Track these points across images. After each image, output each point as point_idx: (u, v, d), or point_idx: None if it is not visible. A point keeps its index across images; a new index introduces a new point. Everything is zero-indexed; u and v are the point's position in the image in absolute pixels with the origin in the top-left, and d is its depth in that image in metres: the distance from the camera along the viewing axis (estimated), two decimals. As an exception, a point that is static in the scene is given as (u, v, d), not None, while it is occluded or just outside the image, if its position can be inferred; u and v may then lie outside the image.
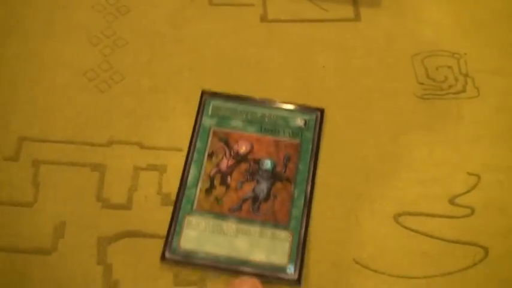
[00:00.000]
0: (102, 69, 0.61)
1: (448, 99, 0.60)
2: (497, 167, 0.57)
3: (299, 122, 0.57)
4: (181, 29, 0.64)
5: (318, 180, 0.55)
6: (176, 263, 0.51)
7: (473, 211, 0.54)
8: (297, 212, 0.53)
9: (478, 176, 0.56)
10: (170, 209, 0.53)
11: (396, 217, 0.54)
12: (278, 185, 0.54)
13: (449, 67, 0.62)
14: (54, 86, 0.59)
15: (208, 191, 0.54)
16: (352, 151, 0.57)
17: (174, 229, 0.52)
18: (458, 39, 0.64)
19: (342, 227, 0.54)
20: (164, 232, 0.52)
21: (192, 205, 0.53)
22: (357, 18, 0.65)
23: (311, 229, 0.53)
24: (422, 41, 0.64)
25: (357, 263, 0.52)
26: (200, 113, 0.57)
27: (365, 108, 0.60)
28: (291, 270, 0.51)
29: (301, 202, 0.53)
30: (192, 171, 0.54)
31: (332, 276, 0.51)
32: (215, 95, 0.58)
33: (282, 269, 0.51)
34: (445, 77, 0.62)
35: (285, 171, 0.54)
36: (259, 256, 0.51)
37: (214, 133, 0.56)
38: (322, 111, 0.58)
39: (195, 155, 0.55)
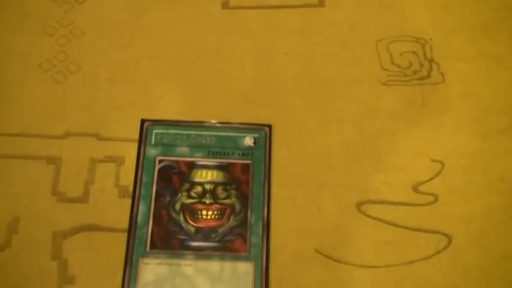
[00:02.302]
0: (58, 60, 0.59)
1: (412, 86, 0.59)
2: (460, 153, 0.56)
3: (248, 141, 0.55)
4: (140, 17, 0.62)
5: (279, 169, 0.54)
6: None
7: (436, 198, 0.54)
8: (256, 239, 0.51)
9: (442, 163, 0.55)
10: (128, 202, 0.52)
11: (359, 205, 0.53)
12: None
13: (414, 53, 0.61)
14: (8, 78, 0.58)
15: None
16: (315, 139, 0.56)
17: (129, 274, 0.49)
18: (424, 24, 0.63)
19: (303, 216, 0.53)
20: (122, 225, 0.51)
21: (145, 246, 0.50)
22: (320, 3, 0.64)
23: (272, 218, 0.52)
24: (387, 27, 0.63)
25: (318, 252, 0.51)
26: (143, 143, 0.54)
27: (328, 95, 0.58)
28: None
29: (259, 229, 0.51)
30: (142, 209, 0.52)
31: (293, 266, 0.50)
32: (156, 122, 0.55)
33: None
34: (409, 63, 0.61)
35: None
36: None
37: (160, 163, 0.53)
38: (270, 127, 0.56)
39: (143, 190, 0.52)
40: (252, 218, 0.52)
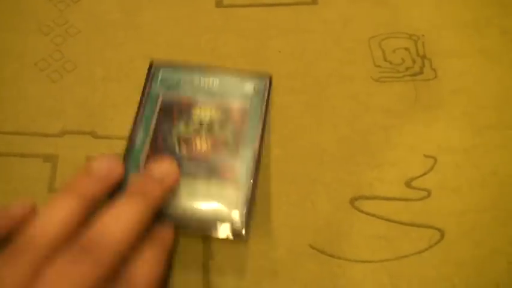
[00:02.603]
0: (54, 59, 0.60)
1: (405, 82, 0.60)
2: (453, 148, 0.56)
3: (248, 87, 0.56)
4: (134, 16, 0.63)
5: (272, 166, 0.55)
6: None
7: (429, 193, 0.54)
8: (244, 168, 0.52)
9: (435, 158, 0.56)
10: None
11: (352, 201, 0.54)
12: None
13: (407, 49, 0.62)
14: (4, 77, 0.58)
15: None
16: (308, 136, 0.57)
17: None
18: (416, 20, 0.64)
19: (297, 212, 0.53)
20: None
21: (138, 167, 0.51)
22: (313, 1, 0.65)
23: (264, 216, 0.52)
24: (379, 23, 0.63)
25: (312, 248, 0.52)
26: (149, 83, 0.55)
27: (321, 93, 0.59)
28: (236, 218, 0.49)
29: (249, 160, 0.52)
30: (139, 135, 0.52)
31: (287, 262, 0.51)
32: (165, 64, 0.56)
33: (229, 220, 0.49)
34: (402, 59, 0.61)
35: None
36: (206, 210, 0.49)
37: (164, 100, 0.55)
38: (270, 78, 0.57)
39: (144, 120, 0.53)
40: (245, 150, 0.52)
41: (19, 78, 0.58)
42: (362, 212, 0.53)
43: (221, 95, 0.56)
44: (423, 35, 0.63)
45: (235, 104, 0.56)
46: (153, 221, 0.46)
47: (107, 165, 0.47)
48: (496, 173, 0.55)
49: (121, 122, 0.56)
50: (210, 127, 0.54)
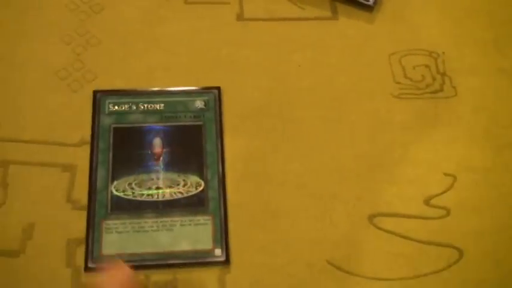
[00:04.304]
0: (75, 69, 0.60)
1: (425, 99, 0.60)
2: (473, 167, 0.56)
3: (199, 104, 0.57)
4: (155, 27, 0.63)
5: (293, 181, 0.55)
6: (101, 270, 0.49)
7: (448, 212, 0.54)
8: (213, 193, 0.53)
9: (454, 177, 0.56)
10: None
11: (371, 218, 0.54)
12: None
13: (427, 66, 0.62)
14: (25, 86, 0.58)
15: None
16: (328, 151, 0.56)
17: (93, 236, 0.51)
18: (436, 38, 0.64)
19: (316, 227, 0.53)
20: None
21: (106, 209, 0.52)
22: (334, 16, 0.65)
23: (284, 230, 0.52)
24: (399, 40, 0.63)
25: (330, 264, 0.51)
26: (97, 113, 0.56)
27: (341, 108, 0.59)
28: (218, 252, 0.51)
29: (215, 183, 0.54)
30: (100, 174, 0.54)
31: (305, 277, 0.51)
32: (108, 92, 0.58)
33: (209, 253, 0.51)
34: (422, 76, 0.61)
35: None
36: (184, 246, 0.51)
37: (115, 130, 0.56)
38: (219, 88, 0.58)
39: (100, 156, 0.54)
40: (207, 174, 0.54)
41: (39, 87, 0.58)
42: (380, 229, 0.53)
43: (173, 116, 0.57)
44: (443, 53, 0.63)
45: (189, 123, 0.56)
46: None
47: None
48: (516, 192, 0.55)
49: (140, 133, 0.57)
50: (169, 158, 0.54)
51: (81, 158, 0.55)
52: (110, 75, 0.60)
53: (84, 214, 0.52)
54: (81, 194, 0.53)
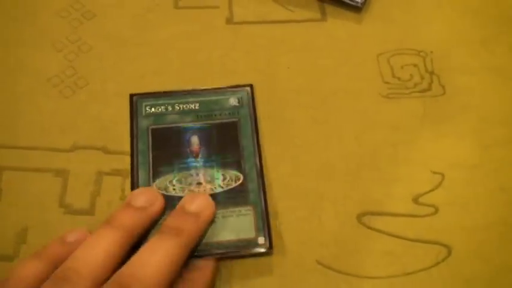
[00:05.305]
0: (67, 75, 0.61)
1: (413, 98, 0.60)
2: (461, 165, 0.56)
3: (232, 101, 0.58)
4: (146, 32, 0.64)
5: (279, 181, 0.55)
6: None
7: (437, 210, 0.54)
8: (252, 185, 0.54)
9: (442, 175, 0.56)
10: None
11: (360, 217, 0.54)
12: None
13: (415, 65, 0.62)
14: (18, 93, 0.60)
15: None
16: (315, 152, 0.57)
17: None
18: (425, 37, 0.64)
19: (304, 228, 0.53)
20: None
21: None
22: (323, 18, 0.65)
23: (272, 230, 0.53)
24: (388, 40, 0.64)
25: (319, 263, 0.52)
26: (135, 116, 0.57)
27: (329, 109, 0.59)
28: (261, 240, 0.51)
29: (253, 175, 0.54)
30: (141, 175, 0.54)
31: (294, 277, 0.51)
32: (144, 95, 0.59)
33: (253, 241, 0.51)
34: (410, 76, 0.62)
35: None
36: (227, 236, 0.51)
37: (153, 131, 0.56)
38: (251, 86, 0.59)
39: (140, 158, 0.55)
40: (246, 167, 0.54)
41: (32, 93, 0.60)
42: (369, 228, 0.54)
43: (208, 115, 0.57)
44: (432, 52, 0.63)
45: (224, 120, 0.57)
46: (190, 257, 0.47)
47: (146, 198, 0.49)
48: (504, 189, 0.55)
49: (131, 137, 0.57)
50: (207, 154, 0.55)
51: (74, 162, 0.56)
52: (102, 81, 0.60)
53: (76, 218, 0.53)
54: (74, 198, 0.54)
